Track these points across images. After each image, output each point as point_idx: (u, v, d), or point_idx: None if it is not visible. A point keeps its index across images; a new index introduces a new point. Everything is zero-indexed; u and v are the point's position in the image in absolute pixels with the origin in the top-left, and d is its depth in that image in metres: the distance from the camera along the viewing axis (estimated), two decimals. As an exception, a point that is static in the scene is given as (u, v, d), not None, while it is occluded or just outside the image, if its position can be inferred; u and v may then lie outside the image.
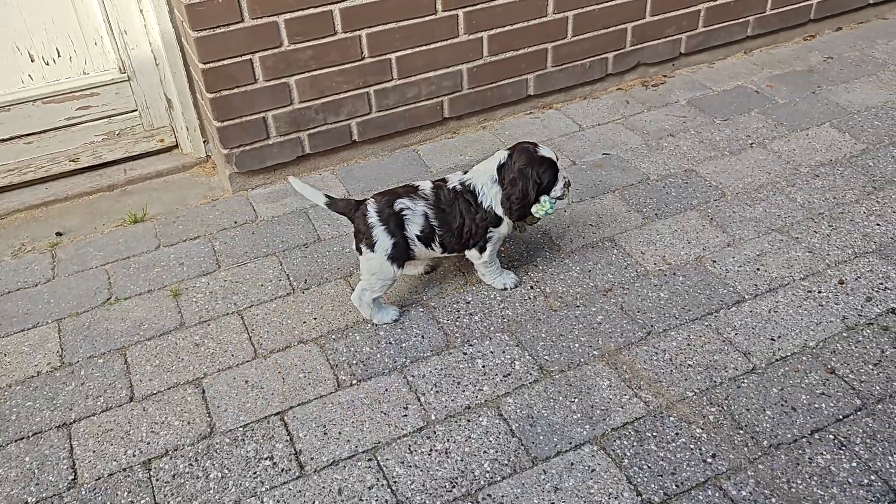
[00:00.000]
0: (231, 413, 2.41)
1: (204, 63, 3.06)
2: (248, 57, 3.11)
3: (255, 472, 2.22)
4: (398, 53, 3.38)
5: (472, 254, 2.68)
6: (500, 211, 2.55)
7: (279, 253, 3.07)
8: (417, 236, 2.53)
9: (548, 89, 3.89)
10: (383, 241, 2.51)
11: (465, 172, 2.61)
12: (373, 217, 2.51)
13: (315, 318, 2.74)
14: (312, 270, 2.97)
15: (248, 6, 3.00)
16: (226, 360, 2.59)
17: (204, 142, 3.62)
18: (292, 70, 3.22)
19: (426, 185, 2.57)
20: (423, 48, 3.42)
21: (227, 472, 2.22)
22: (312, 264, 3.00)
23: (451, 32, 3.44)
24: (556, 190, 2.57)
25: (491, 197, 2.54)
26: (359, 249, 2.56)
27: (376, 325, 2.69)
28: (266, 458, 2.26)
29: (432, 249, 2.59)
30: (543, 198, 2.54)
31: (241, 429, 2.35)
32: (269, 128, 3.33)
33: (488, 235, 2.61)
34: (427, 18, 3.36)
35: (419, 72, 3.48)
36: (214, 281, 2.95)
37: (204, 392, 2.48)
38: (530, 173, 2.48)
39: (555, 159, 2.54)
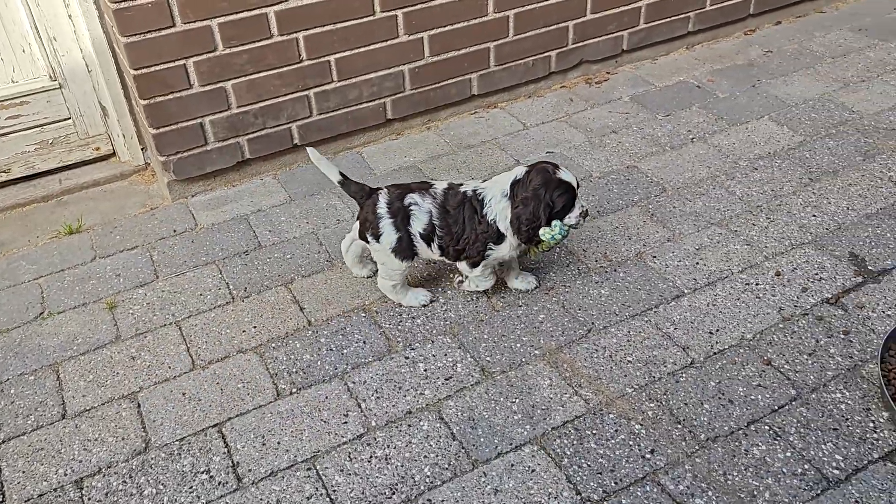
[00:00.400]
0: (167, 427, 2.35)
1: (135, 69, 2.99)
2: (181, 62, 3.05)
3: (191, 487, 2.17)
4: (337, 55, 3.35)
5: (462, 266, 2.62)
6: (503, 227, 2.46)
7: (219, 261, 3.02)
8: (420, 234, 2.51)
9: (492, 89, 3.89)
10: (389, 234, 2.51)
11: (484, 181, 2.53)
12: (382, 208, 2.50)
13: (255, 327, 2.70)
14: (253, 278, 2.92)
15: (180, 10, 2.94)
16: (163, 373, 2.54)
17: (142, 149, 3.55)
18: (228, 74, 3.17)
19: (440, 185, 2.53)
20: (363, 49, 3.40)
21: (161, 487, 2.18)
22: (253, 272, 2.95)
23: (390, 33, 3.42)
24: (571, 217, 2.45)
25: (497, 211, 2.44)
26: (364, 238, 2.58)
27: (317, 332, 2.66)
28: (203, 472, 2.22)
29: (432, 251, 2.56)
30: (555, 223, 2.41)
31: (177, 443, 2.30)
32: (207, 133, 3.27)
33: (487, 252, 2.52)
34: (365, 19, 3.33)
35: (360, 73, 3.45)
36: (152, 292, 2.89)
37: (139, 406, 2.43)
38: (544, 195, 2.37)
39: (574, 184, 2.41)
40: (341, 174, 2.60)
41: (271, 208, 3.31)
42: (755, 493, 2.08)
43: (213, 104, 3.20)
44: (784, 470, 2.14)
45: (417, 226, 2.50)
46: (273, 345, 2.63)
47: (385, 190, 2.54)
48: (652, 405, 2.34)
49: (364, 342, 2.62)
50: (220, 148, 3.33)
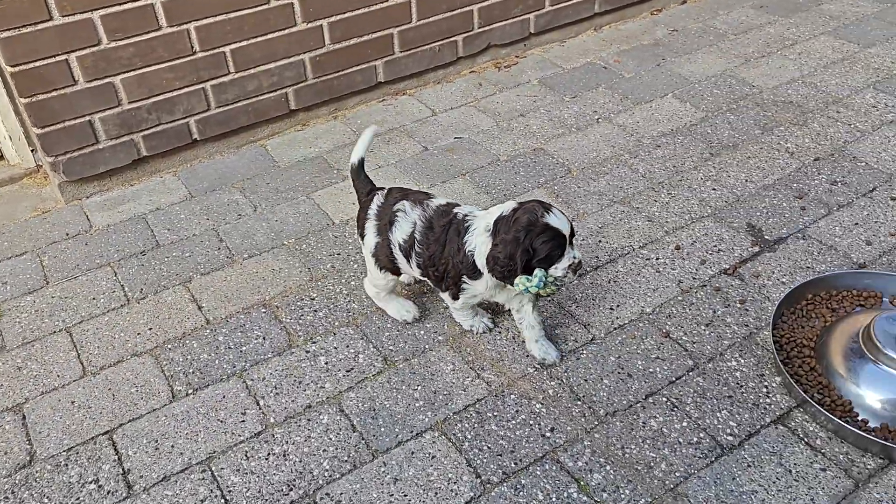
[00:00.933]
0: (54, 438, 2.25)
1: (12, 66, 2.85)
2: (62, 57, 2.92)
3: (77, 498, 2.08)
4: (232, 46, 3.26)
5: (445, 296, 2.41)
6: (479, 262, 2.20)
7: (114, 263, 2.91)
8: (399, 243, 2.33)
9: (399, 75, 3.84)
10: (370, 237, 2.41)
11: (484, 209, 2.29)
12: (372, 210, 2.39)
13: (150, 329, 2.61)
14: (149, 279, 2.82)
15: (56, 3, 2.81)
16: (50, 382, 2.43)
17: (31, 151, 3.39)
18: (116, 69, 3.05)
19: (436, 201, 2.34)
20: (259, 39, 3.31)
21: (46, 501, 2.08)
22: (150, 272, 2.85)
23: (287, 21, 3.34)
24: (558, 268, 2.15)
25: (476, 244, 2.18)
26: (361, 235, 2.48)
27: (216, 330, 2.59)
28: (91, 482, 2.13)
29: (411, 267, 2.37)
30: (537, 272, 2.11)
31: (64, 453, 2.21)
32: (98, 131, 3.14)
33: (462, 286, 2.30)
34: (259, 8, 3.24)
35: (258, 63, 3.36)
36: (41, 298, 2.76)
37: (24, 418, 2.32)
38: (524, 239, 2.08)
39: (564, 231, 2.11)
40: (359, 160, 2.50)
41: (170, 206, 3.20)
42: (651, 464, 2.10)
43: (101, 101, 3.08)
44: (680, 440, 2.17)
45: (398, 234, 2.33)
46: (169, 346, 2.54)
47: (382, 192, 2.42)
48: (553, 384, 2.34)
49: (264, 338, 2.55)
50: (113, 146, 3.21)
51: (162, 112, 3.24)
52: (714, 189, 3.13)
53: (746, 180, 3.16)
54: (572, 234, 2.15)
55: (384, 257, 2.39)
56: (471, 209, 2.28)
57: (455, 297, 2.34)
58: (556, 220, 2.10)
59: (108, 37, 2.97)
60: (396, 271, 2.43)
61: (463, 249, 2.20)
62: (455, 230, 2.23)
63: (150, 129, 3.25)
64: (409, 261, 2.35)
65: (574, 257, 2.16)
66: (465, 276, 2.26)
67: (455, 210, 2.28)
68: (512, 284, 2.15)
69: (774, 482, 2.04)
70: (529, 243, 2.08)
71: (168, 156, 3.39)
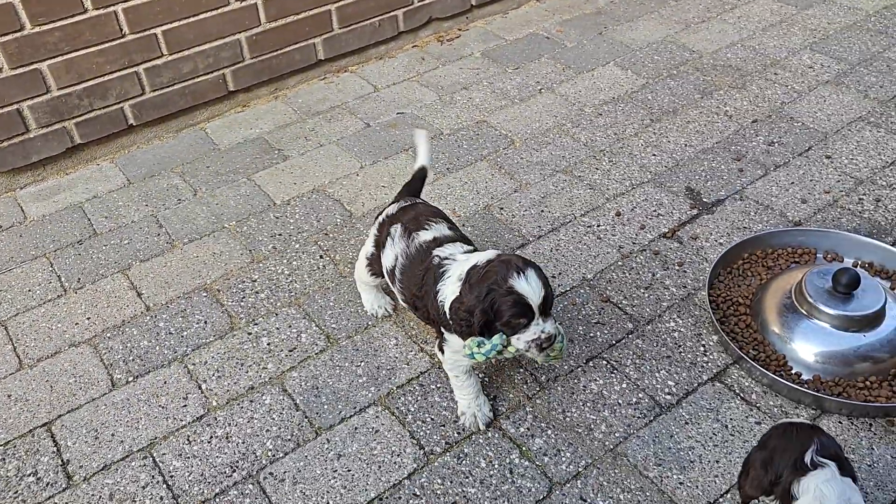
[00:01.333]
0: (-10, 433, 2.22)
1: (-70, 55, 2.76)
2: (-16, 44, 2.83)
3: (16, 492, 2.05)
4: (163, 27, 3.18)
5: (437, 349, 2.16)
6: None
7: (50, 253, 2.85)
8: (386, 268, 2.22)
9: (339, 52, 3.80)
10: (368, 244, 2.34)
11: (471, 251, 2.08)
12: (382, 217, 2.30)
13: (89, 318, 2.57)
14: (87, 268, 2.77)
15: (-27, -12, 2.73)
16: (-14, 377, 2.39)
17: (-39, 143, 3.30)
18: (42, 55, 2.96)
19: (423, 235, 2.12)
20: (192, 19, 3.24)
21: (-17, 496, 2.05)
22: (87, 261, 2.80)
23: (219, 1, 3.27)
24: (520, 339, 1.88)
25: (447, 294, 1.96)
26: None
27: (156, 316, 2.55)
28: (29, 475, 2.10)
29: (395, 290, 2.24)
30: (497, 337, 1.88)
31: (0, 448, 2.17)
32: (27, 120, 3.06)
33: (444, 336, 2.06)
34: (190, -12, 3.17)
35: (191, 45, 3.29)
36: (-25, 293, 2.70)
37: (-41, 414, 2.28)
38: (484, 297, 1.84)
39: (531, 299, 1.83)
40: (424, 167, 2.45)
41: (108, 194, 3.14)
42: (592, 426, 2.13)
43: (28, 88, 2.99)
44: (620, 401, 2.20)
45: (386, 259, 2.21)
46: (108, 335, 2.50)
47: (399, 203, 2.30)
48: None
49: (205, 322, 2.53)
50: (44, 135, 3.13)
51: (94, 98, 3.16)
52: (654, 155, 3.16)
53: (686, 145, 3.19)
54: (547, 304, 1.87)
55: (376, 267, 2.30)
56: (452, 251, 2.05)
57: (441, 350, 2.11)
58: (524, 284, 1.83)
59: (32, 22, 2.88)
60: (382, 276, 2.31)
61: (437, 298, 1.99)
62: (432, 275, 2.02)
63: (82, 115, 3.18)
64: (392, 284, 2.22)
65: (542, 332, 1.86)
66: (443, 328, 2.03)
67: (435, 252, 2.05)
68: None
69: (711, 437, 2.08)
70: (490, 303, 1.84)
71: (104, 142, 3.32)
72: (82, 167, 3.31)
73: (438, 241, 2.10)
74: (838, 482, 1.54)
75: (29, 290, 2.69)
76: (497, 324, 1.86)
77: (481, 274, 1.87)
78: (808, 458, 1.56)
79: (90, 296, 2.66)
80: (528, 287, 1.83)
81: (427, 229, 2.15)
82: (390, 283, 2.24)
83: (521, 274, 1.84)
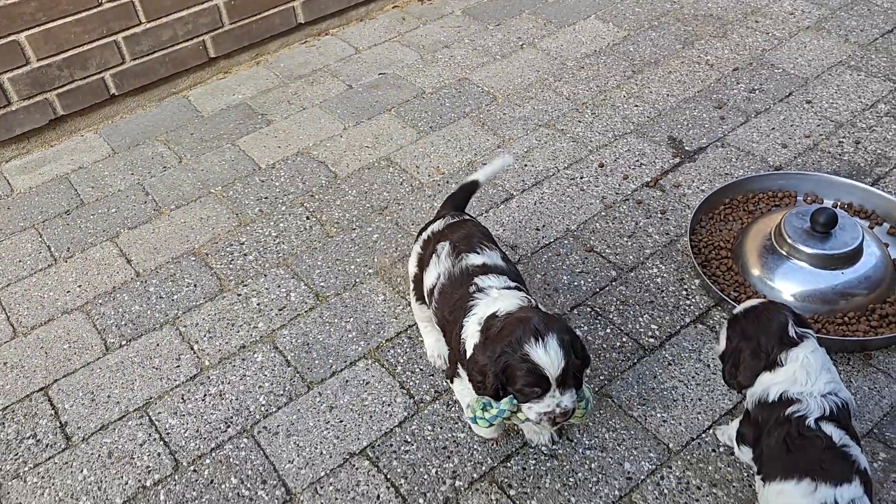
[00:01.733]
0: (-12, 399, 2.26)
1: None
2: (-41, 17, 2.82)
3: (16, 454, 2.10)
4: (140, -6, 3.17)
5: (447, 372, 2.00)
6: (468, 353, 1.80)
7: (38, 224, 2.87)
8: (427, 287, 2.01)
9: (320, 15, 3.77)
10: (411, 264, 2.13)
11: (508, 287, 1.86)
12: (426, 234, 2.11)
13: (80, 286, 2.59)
14: (76, 237, 2.79)
15: (-54, -40, 2.71)
16: (-19, 346, 2.42)
17: (-56, 118, 3.29)
18: (19, 26, 2.95)
19: (471, 259, 1.92)
20: (169, -14, 3.22)
21: (-16, 460, 2.10)
22: (75, 231, 2.82)
23: (195, -34, 3.25)
24: (532, 409, 1.69)
25: (468, 335, 1.79)
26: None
27: (146, 281, 2.58)
28: (29, 437, 2.14)
29: (431, 311, 2.04)
30: (506, 401, 1.71)
31: (0, 413, 2.22)
32: (8, 92, 3.05)
33: (458, 371, 1.85)
34: (165, -47, 3.15)
35: (169, 12, 3.27)
36: (-34, 265, 2.73)
37: (-43, 383, 2.32)
38: (496, 358, 1.67)
39: (547, 371, 1.63)
40: (476, 182, 2.26)
41: (94, 164, 3.15)
42: (577, 371, 2.18)
43: (7, 60, 2.98)
44: (604, 346, 2.25)
45: (428, 277, 2.00)
46: (100, 301, 2.53)
47: (446, 220, 2.09)
48: (481, 305, 2.40)
49: (195, 286, 2.56)
50: (26, 107, 3.12)
51: (74, 68, 3.16)
52: (636, 106, 3.17)
53: (668, 95, 3.21)
54: (567, 375, 1.65)
55: (419, 291, 2.08)
56: (492, 283, 1.85)
57: (450, 378, 1.91)
58: (541, 354, 1.62)
59: (7, -8, 2.87)
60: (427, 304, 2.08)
61: (461, 333, 1.81)
62: (463, 304, 1.83)
63: (63, 86, 3.17)
64: (430, 307, 2.02)
65: (558, 406, 1.66)
66: (459, 363, 1.84)
67: (476, 280, 1.87)
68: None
69: (693, 377, 2.13)
70: (504, 366, 1.66)
71: (87, 113, 3.31)
72: (66, 139, 3.31)
73: (486, 269, 1.90)
74: (820, 352, 1.68)
75: (19, 261, 2.71)
76: (509, 388, 1.69)
77: (498, 329, 1.70)
78: (791, 333, 1.67)
79: (80, 264, 2.68)
80: (546, 357, 1.62)
81: (479, 253, 1.94)
82: (427, 304, 2.03)
83: (540, 340, 1.63)
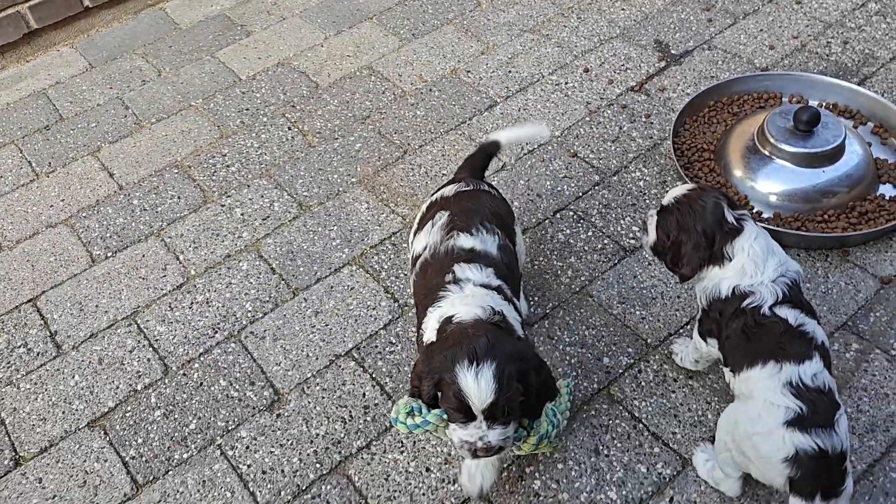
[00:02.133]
0: (-22, 311, 2.29)
1: None
2: (-79, -76, 2.71)
3: (8, 363, 2.14)
4: None
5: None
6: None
7: (18, 140, 2.84)
8: (413, 254, 1.84)
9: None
10: (413, 230, 1.92)
11: (467, 292, 1.63)
12: (433, 197, 1.92)
13: (63, 200, 2.59)
14: (57, 152, 2.77)
15: None
16: (-33, 260, 2.44)
17: (-86, 34, 3.21)
18: (-17, -67, 2.85)
19: (461, 240, 1.72)
20: None
21: (-23, 368, 2.14)
22: (56, 146, 2.79)
23: None
24: (456, 432, 1.50)
25: (427, 328, 1.64)
26: None
27: (129, 195, 2.58)
28: (20, 347, 2.18)
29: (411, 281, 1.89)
30: (434, 413, 1.54)
31: (-11, 324, 2.25)
32: (-22, 5, 2.98)
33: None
34: None
35: (140, -82, 3.16)
36: (-53, 182, 2.71)
37: (-55, 296, 2.34)
38: (431, 370, 1.50)
39: (470, 399, 1.44)
40: (497, 142, 2.05)
41: (71, 79, 3.09)
42: (559, 272, 2.20)
43: (-26, -30, 2.90)
44: (586, 248, 2.26)
45: (417, 244, 1.82)
46: (84, 214, 2.53)
47: (459, 185, 1.89)
48: (465, 210, 2.40)
49: (178, 197, 2.55)
50: (-2, 20, 3.05)
51: (44, -22, 3.07)
52: (623, 9, 3.10)
53: (655, -2, 3.14)
54: (496, 410, 1.44)
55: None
56: (471, 276, 1.66)
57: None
58: (469, 382, 1.43)
59: None
60: None
61: (423, 324, 1.66)
62: (434, 294, 1.66)
63: (35, -2, 3.09)
64: (411, 275, 1.85)
65: (480, 440, 1.47)
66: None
67: (455, 268, 1.67)
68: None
69: (672, 275, 2.16)
70: (436, 382, 1.49)
71: (62, 27, 3.23)
72: (42, 54, 3.24)
73: (473, 256, 1.71)
74: (762, 235, 1.66)
75: (0, 177, 2.70)
76: (440, 404, 1.53)
77: (445, 337, 1.54)
78: (730, 219, 1.64)
79: (62, 179, 2.67)
80: (474, 386, 1.43)
81: (472, 235, 1.74)
82: (410, 271, 1.85)
83: (473, 366, 1.43)
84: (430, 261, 1.74)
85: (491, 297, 1.62)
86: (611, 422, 1.87)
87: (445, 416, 1.52)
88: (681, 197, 1.69)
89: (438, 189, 1.95)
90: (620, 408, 1.89)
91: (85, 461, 1.90)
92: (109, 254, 2.40)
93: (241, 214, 2.47)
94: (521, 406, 1.48)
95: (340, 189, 2.52)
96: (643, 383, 1.93)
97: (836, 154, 2.26)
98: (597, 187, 2.43)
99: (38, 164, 2.73)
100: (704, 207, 1.65)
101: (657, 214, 1.75)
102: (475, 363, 1.43)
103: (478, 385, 1.42)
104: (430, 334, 1.61)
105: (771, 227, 2.19)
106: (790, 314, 1.56)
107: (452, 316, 1.57)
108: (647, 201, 2.36)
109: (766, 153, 2.32)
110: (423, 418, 1.54)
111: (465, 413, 1.46)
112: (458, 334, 1.51)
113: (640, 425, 1.85)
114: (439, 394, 1.50)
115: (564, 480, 1.78)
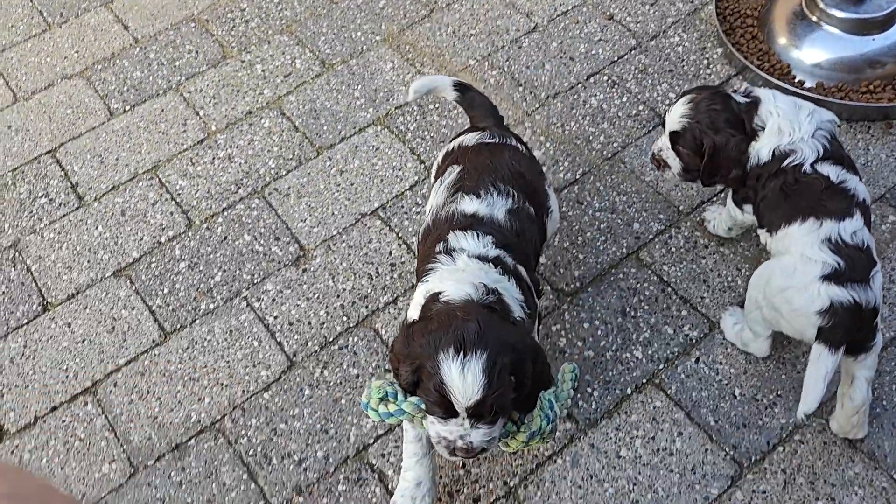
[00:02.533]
0: (-4, 161, 2.25)
1: None
2: None
3: (31, 212, 2.12)
4: None
5: None
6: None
7: (27, -11, 2.72)
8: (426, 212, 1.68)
9: None
10: (433, 169, 1.79)
11: (458, 265, 1.45)
12: (450, 146, 1.73)
13: (77, 52, 2.50)
14: (68, 2, 2.65)
15: None
16: (-18, 110, 2.38)
17: None
18: None
19: (465, 204, 1.54)
20: None
21: (0, 217, 2.12)
22: (67, -5, 2.68)
23: None
24: (434, 425, 1.34)
25: (413, 304, 1.48)
26: None
27: (146, 48, 2.49)
28: (42, 197, 2.15)
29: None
30: (414, 404, 1.35)
31: (10, 174, 2.21)
32: None
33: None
34: None
35: None
36: (-44, 31, 2.62)
37: (-38, 146, 2.30)
38: (410, 355, 1.32)
39: (453, 396, 1.26)
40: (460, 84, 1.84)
41: (79, -75, 2.93)
42: (591, 138, 2.14)
43: None
44: (620, 114, 2.19)
45: (429, 203, 1.66)
46: (100, 67, 2.45)
47: (481, 135, 1.70)
48: (494, 73, 2.31)
49: (196, 52, 2.46)
50: None
51: None
52: None
53: None
54: (482, 408, 1.27)
55: None
56: (464, 245, 1.47)
57: None
58: (453, 375, 1.25)
59: None
60: None
61: (413, 298, 1.50)
62: (428, 263, 1.49)
63: None
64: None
65: (460, 438, 1.30)
66: None
67: (450, 235, 1.49)
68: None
69: (708, 144, 2.10)
70: (416, 368, 1.31)
71: None
72: None
73: (474, 221, 1.51)
74: (778, 94, 1.63)
75: (11, 27, 2.60)
76: (418, 393, 1.35)
77: (428, 317, 1.36)
78: (741, 99, 1.62)
79: (76, 30, 2.57)
80: (459, 381, 1.25)
81: (479, 197, 1.53)
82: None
83: (459, 357, 1.25)
84: (431, 227, 1.56)
85: (486, 271, 1.42)
86: (639, 285, 1.86)
87: (424, 406, 1.33)
88: (686, 111, 1.65)
89: (458, 135, 1.74)
90: (649, 272, 1.88)
91: (112, 308, 1.92)
92: (128, 107, 2.34)
93: (262, 71, 2.39)
94: (513, 401, 1.31)
95: (364, 47, 2.42)
96: (673, 249, 1.91)
97: (889, 21, 2.15)
98: (633, 52, 2.33)
99: (50, 13, 2.62)
100: (713, 102, 1.61)
101: (670, 141, 1.69)
102: (462, 353, 1.25)
103: (464, 379, 1.24)
104: (413, 310, 1.44)
105: (813, 95, 2.10)
106: (832, 171, 1.53)
107: (440, 293, 1.38)
108: (686, 68, 2.27)
109: (815, 19, 2.20)
110: (397, 406, 1.35)
111: (445, 409, 1.28)
112: (444, 316, 1.33)
113: (669, 289, 1.84)
114: (412, 381, 1.33)
115: (591, 339, 1.79)
